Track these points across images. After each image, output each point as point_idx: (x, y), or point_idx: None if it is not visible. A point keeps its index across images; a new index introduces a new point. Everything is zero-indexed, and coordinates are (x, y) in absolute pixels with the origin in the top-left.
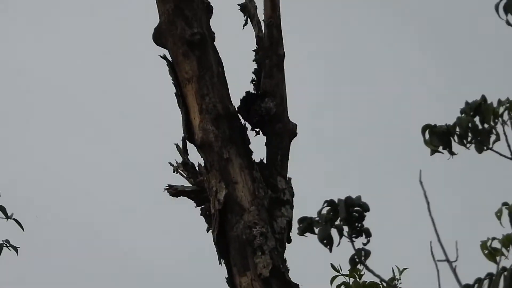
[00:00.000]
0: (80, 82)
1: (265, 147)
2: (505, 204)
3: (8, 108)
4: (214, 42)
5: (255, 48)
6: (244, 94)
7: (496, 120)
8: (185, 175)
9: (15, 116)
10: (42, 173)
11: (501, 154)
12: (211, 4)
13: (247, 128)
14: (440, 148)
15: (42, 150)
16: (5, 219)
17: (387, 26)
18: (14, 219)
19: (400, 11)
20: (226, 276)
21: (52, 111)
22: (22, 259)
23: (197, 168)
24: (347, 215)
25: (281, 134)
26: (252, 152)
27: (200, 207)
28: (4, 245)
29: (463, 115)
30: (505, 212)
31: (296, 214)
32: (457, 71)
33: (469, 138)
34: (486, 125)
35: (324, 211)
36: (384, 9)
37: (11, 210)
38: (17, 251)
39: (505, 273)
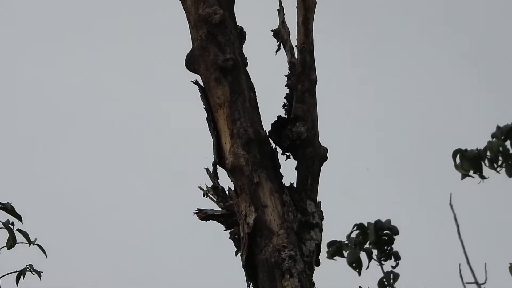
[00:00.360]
0: (110, 107)
1: (295, 171)
2: None
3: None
4: (247, 68)
5: (288, 73)
6: (276, 119)
7: None
8: (215, 199)
9: (48, 140)
10: (75, 199)
11: None
12: (244, 30)
13: (277, 152)
14: (471, 172)
15: (76, 176)
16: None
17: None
18: (37, 245)
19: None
20: None
21: (83, 137)
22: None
23: (227, 192)
24: (376, 239)
25: (312, 158)
26: (283, 176)
27: (229, 231)
28: (28, 269)
29: (494, 139)
30: None
31: (325, 238)
32: (490, 95)
33: (500, 162)
34: None
35: (354, 235)
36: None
37: (33, 235)
38: (40, 276)
39: None
